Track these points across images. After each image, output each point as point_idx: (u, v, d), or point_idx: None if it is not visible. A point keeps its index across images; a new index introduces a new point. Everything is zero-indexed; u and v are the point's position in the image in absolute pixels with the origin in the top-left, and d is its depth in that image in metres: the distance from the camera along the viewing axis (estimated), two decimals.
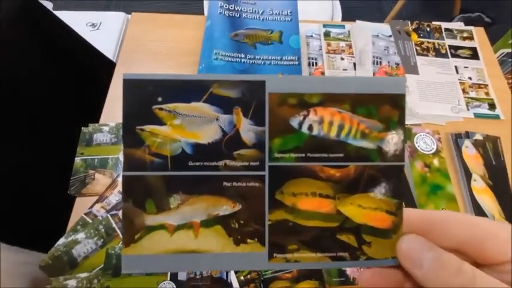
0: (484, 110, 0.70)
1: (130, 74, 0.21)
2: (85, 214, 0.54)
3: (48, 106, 0.73)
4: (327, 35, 0.77)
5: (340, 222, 0.22)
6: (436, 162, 0.63)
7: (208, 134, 0.21)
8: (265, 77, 0.22)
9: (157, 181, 0.21)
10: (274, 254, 0.22)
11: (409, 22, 0.80)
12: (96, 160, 0.59)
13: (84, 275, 0.49)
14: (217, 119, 0.21)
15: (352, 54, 0.75)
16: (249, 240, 0.22)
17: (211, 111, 0.21)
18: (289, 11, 0.72)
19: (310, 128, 0.22)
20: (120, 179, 0.57)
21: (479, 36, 0.80)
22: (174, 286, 0.49)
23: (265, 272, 0.51)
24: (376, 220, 0.22)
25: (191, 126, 0.21)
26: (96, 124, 0.62)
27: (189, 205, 0.22)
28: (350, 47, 0.76)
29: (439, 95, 0.71)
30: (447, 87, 0.72)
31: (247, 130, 0.22)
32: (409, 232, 0.21)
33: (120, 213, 0.54)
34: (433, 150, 0.64)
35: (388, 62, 0.74)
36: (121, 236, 0.52)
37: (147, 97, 0.21)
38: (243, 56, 0.68)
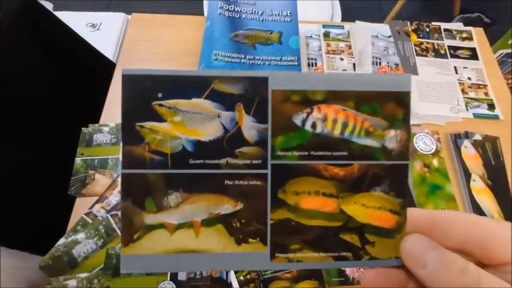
0: (483, 110, 0.71)
1: (129, 70, 0.20)
2: (85, 214, 0.54)
3: (48, 106, 0.73)
4: (326, 35, 0.77)
5: (343, 221, 0.22)
6: (435, 162, 0.63)
7: (209, 131, 0.21)
8: (268, 73, 0.21)
9: (157, 179, 0.21)
10: (276, 254, 0.22)
11: (408, 22, 0.80)
12: (96, 160, 0.59)
13: (84, 275, 0.49)
14: (218, 116, 0.21)
15: (352, 54, 0.75)
16: (250, 240, 0.22)
17: (212, 107, 0.21)
18: (288, 12, 0.72)
19: (314, 125, 0.21)
20: (120, 180, 0.57)
21: (478, 37, 0.80)
22: (174, 286, 0.49)
23: (264, 272, 0.51)
24: (380, 219, 0.22)
25: (192, 123, 0.21)
26: (96, 124, 0.62)
27: (189, 204, 0.21)
28: (349, 47, 0.76)
29: (439, 95, 0.71)
30: (446, 88, 0.73)
31: (249, 127, 0.21)
32: (413, 232, 0.21)
33: (120, 213, 0.54)
34: (433, 151, 0.64)
35: (388, 63, 0.74)
36: (120, 237, 0.52)
37: (147, 93, 0.20)
38: (243, 56, 0.68)
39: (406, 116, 0.22)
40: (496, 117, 0.70)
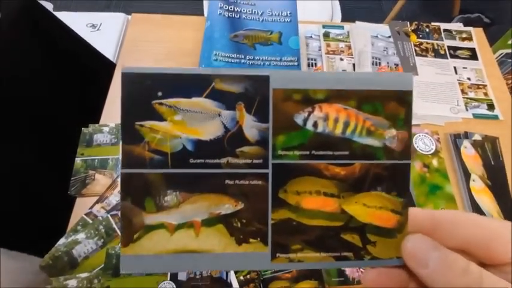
0: (483, 110, 0.71)
1: (129, 68, 0.20)
2: (85, 214, 0.54)
3: (48, 107, 0.73)
4: (326, 35, 0.77)
5: (344, 221, 0.22)
6: (435, 162, 0.63)
7: (210, 131, 0.21)
8: (269, 72, 0.21)
9: (157, 179, 0.21)
10: (277, 254, 0.22)
11: (408, 23, 0.80)
12: (96, 161, 0.59)
13: (84, 275, 0.49)
14: (219, 115, 0.21)
15: (352, 55, 0.75)
16: (251, 240, 0.21)
17: (213, 106, 0.21)
18: (288, 12, 0.73)
19: (315, 124, 0.21)
20: (120, 180, 0.57)
21: (478, 37, 0.80)
22: (174, 286, 0.49)
23: (264, 272, 0.51)
24: (381, 219, 0.22)
25: (192, 122, 0.21)
26: (97, 125, 0.62)
27: (190, 204, 0.21)
28: (349, 47, 0.76)
29: (438, 95, 0.71)
30: (446, 88, 0.73)
31: (250, 127, 0.21)
32: (415, 232, 0.21)
33: (119, 213, 0.54)
34: (432, 151, 0.64)
35: (387, 63, 0.74)
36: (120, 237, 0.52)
37: (147, 92, 0.20)
38: (243, 56, 0.68)
39: (408, 115, 0.22)
40: (496, 117, 0.70)
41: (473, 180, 0.61)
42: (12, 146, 0.64)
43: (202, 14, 0.97)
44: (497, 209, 0.59)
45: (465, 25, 0.82)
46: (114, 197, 0.55)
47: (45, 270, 0.50)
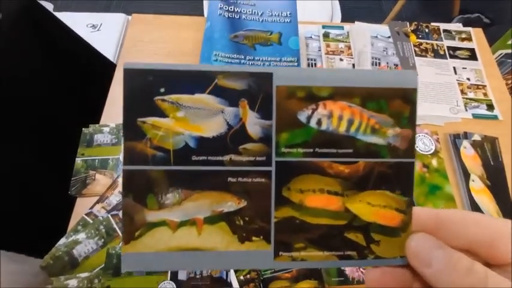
0: (483, 110, 0.71)
1: (131, 63, 0.20)
2: (86, 214, 0.54)
3: (48, 107, 0.73)
4: (326, 36, 0.77)
5: (348, 220, 0.22)
6: (434, 162, 0.63)
7: (212, 127, 0.21)
8: (272, 69, 0.21)
9: (159, 176, 0.21)
10: (280, 253, 0.21)
11: (407, 23, 0.80)
12: (96, 161, 0.59)
13: (84, 274, 0.49)
14: (222, 112, 0.21)
15: (351, 55, 0.75)
16: (254, 238, 0.21)
17: (216, 103, 0.20)
18: (288, 13, 0.73)
19: (319, 122, 0.21)
20: (120, 180, 0.57)
21: (477, 37, 0.80)
22: (174, 286, 0.49)
23: (264, 271, 0.51)
24: (385, 218, 0.22)
25: (195, 119, 0.20)
26: (97, 125, 0.62)
27: (192, 201, 0.21)
28: (349, 48, 0.76)
29: (438, 95, 0.72)
30: (446, 88, 0.73)
31: (253, 124, 0.21)
32: (419, 231, 0.21)
33: (120, 213, 0.54)
34: (432, 151, 0.64)
35: (387, 63, 0.75)
36: (121, 235, 0.52)
37: (149, 88, 0.20)
38: (243, 57, 0.68)
39: (413, 113, 0.21)
40: (495, 117, 0.70)
41: (473, 181, 0.61)
42: (12, 146, 0.65)
43: (202, 15, 0.97)
44: (497, 209, 0.59)
45: (465, 25, 0.82)
46: (115, 197, 0.55)
47: (45, 270, 0.50)
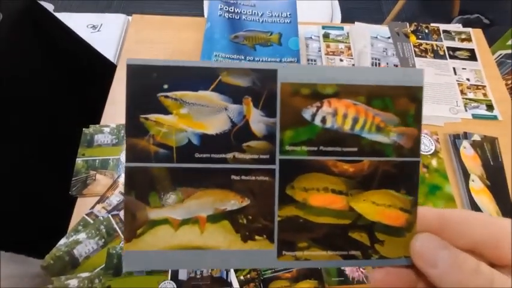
0: (482, 111, 0.71)
1: (134, 60, 0.19)
2: (86, 214, 0.54)
3: (49, 107, 0.74)
4: (326, 36, 0.78)
5: (352, 219, 0.22)
6: (434, 162, 0.63)
7: (216, 125, 0.20)
8: (277, 66, 0.20)
9: (161, 173, 0.20)
10: (284, 252, 0.21)
11: (407, 24, 0.81)
12: (97, 161, 0.59)
13: (85, 274, 0.49)
14: (226, 109, 0.20)
15: (351, 55, 0.75)
16: (257, 237, 0.21)
17: (219, 100, 0.20)
18: (288, 13, 0.73)
19: (324, 120, 0.21)
20: (120, 180, 0.57)
21: (477, 38, 0.80)
22: (175, 286, 0.49)
23: (265, 271, 0.51)
24: (390, 218, 0.21)
25: (198, 116, 0.20)
26: (97, 125, 0.62)
27: (195, 199, 0.21)
28: (349, 48, 0.76)
29: (437, 96, 0.72)
30: (445, 89, 0.73)
31: (257, 121, 0.21)
32: (424, 231, 0.20)
33: (121, 213, 0.54)
34: (432, 151, 0.64)
35: (387, 64, 0.75)
36: (122, 236, 0.52)
37: (152, 84, 0.20)
38: (243, 57, 0.69)
39: (418, 111, 0.21)
40: (495, 117, 0.70)
41: (473, 181, 0.61)
42: (13, 147, 0.65)
43: (203, 15, 0.97)
44: (497, 209, 0.60)
45: (464, 26, 0.82)
46: (115, 197, 0.56)
47: (46, 270, 0.50)
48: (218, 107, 0.20)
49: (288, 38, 0.71)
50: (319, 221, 0.21)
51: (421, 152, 0.64)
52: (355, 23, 0.80)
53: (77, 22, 1.06)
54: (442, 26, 0.81)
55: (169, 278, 0.49)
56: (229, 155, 0.21)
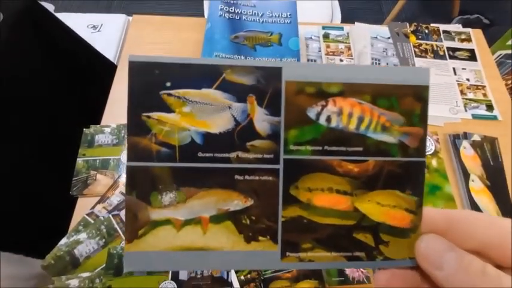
0: (482, 111, 0.71)
1: (136, 56, 0.19)
2: (87, 214, 0.54)
3: (49, 108, 0.74)
4: (326, 37, 0.78)
5: (357, 220, 0.21)
6: (434, 163, 0.63)
7: (219, 123, 0.20)
8: (282, 64, 0.20)
9: (163, 172, 0.20)
10: (287, 253, 0.21)
11: (407, 24, 0.81)
12: (97, 161, 0.59)
13: (86, 274, 0.50)
14: (229, 108, 0.20)
15: (351, 56, 0.75)
16: (260, 238, 0.21)
17: (223, 98, 0.20)
18: (288, 13, 0.73)
19: (329, 119, 0.20)
20: (121, 180, 0.57)
21: (477, 38, 0.80)
22: (175, 286, 0.49)
23: (265, 271, 0.51)
24: (395, 218, 0.21)
25: (202, 115, 0.20)
26: (98, 125, 0.63)
27: (197, 199, 0.20)
28: (349, 48, 0.76)
29: (437, 96, 0.72)
30: (445, 89, 0.73)
31: (261, 120, 0.20)
32: (429, 232, 0.20)
33: (121, 213, 0.54)
34: (432, 151, 0.64)
35: (387, 64, 0.75)
36: (122, 236, 0.52)
37: (155, 82, 0.19)
38: (243, 58, 0.69)
39: (424, 111, 0.21)
40: (495, 118, 0.70)
41: (473, 181, 0.61)
42: (14, 147, 0.65)
43: (203, 16, 0.97)
44: (497, 209, 0.60)
45: (464, 26, 0.82)
46: (116, 197, 0.56)
47: (47, 269, 0.50)
48: (222, 106, 0.20)
49: (288, 38, 0.71)
50: (324, 221, 0.21)
51: None
52: (355, 23, 0.80)
53: (77, 22, 1.06)
54: (442, 26, 0.81)
55: (169, 277, 0.50)
56: (233, 155, 0.20)
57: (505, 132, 0.68)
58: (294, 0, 0.75)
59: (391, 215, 0.21)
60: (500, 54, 1.13)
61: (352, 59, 0.75)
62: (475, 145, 0.65)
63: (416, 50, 0.77)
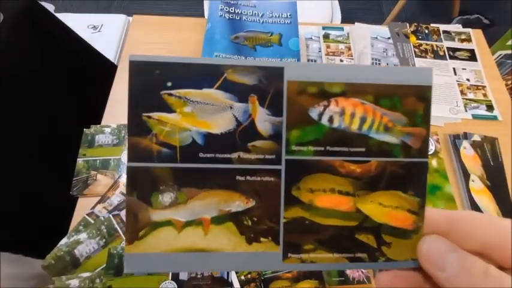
0: (482, 111, 0.71)
1: (137, 56, 0.19)
2: (87, 215, 0.54)
3: (50, 108, 0.74)
4: (326, 37, 0.78)
5: (359, 221, 0.21)
6: (434, 163, 0.63)
7: (221, 124, 0.20)
8: (284, 64, 0.20)
9: (164, 173, 0.20)
10: (289, 254, 0.21)
11: (407, 24, 0.81)
12: (98, 161, 0.59)
13: (86, 274, 0.50)
14: (231, 108, 0.20)
15: (351, 56, 0.75)
16: (262, 239, 0.20)
17: (224, 98, 0.20)
18: (288, 14, 0.73)
19: (331, 119, 0.20)
20: (121, 180, 0.57)
21: (477, 38, 0.80)
22: (176, 286, 0.49)
23: (265, 271, 0.51)
24: (397, 219, 0.21)
25: (203, 115, 0.20)
26: (98, 126, 0.63)
27: (198, 200, 0.20)
28: (349, 49, 0.76)
29: (437, 96, 0.72)
30: (445, 89, 0.73)
31: (263, 120, 0.20)
32: (431, 233, 0.20)
33: (122, 213, 0.54)
34: (432, 151, 0.64)
35: (387, 64, 0.75)
36: (123, 236, 0.52)
37: (156, 81, 0.19)
38: (243, 58, 0.69)
39: (427, 111, 0.21)
40: (495, 118, 0.70)
41: (473, 181, 0.61)
42: (14, 147, 0.65)
43: (203, 16, 0.97)
44: (497, 209, 0.60)
45: (464, 26, 0.82)
46: (116, 197, 0.56)
47: (47, 269, 0.50)
48: (223, 106, 0.20)
49: (288, 38, 0.71)
50: (326, 222, 0.21)
51: None
52: (355, 23, 0.80)
53: (78, 22, 1.06)
54: (442, 27, 0.81)
55: (170, 278, 0.50)
56: (234, 155, 0.20)
57: (505, 132, 0.68)
58: (294, 1, 0.75)
59: (393, 216, 0.21)
60: (500, 55, 1.13)
61: (352, 59, 0.75)
62: (475, 145, 0.65)
63: (417, 50, 0.77)
